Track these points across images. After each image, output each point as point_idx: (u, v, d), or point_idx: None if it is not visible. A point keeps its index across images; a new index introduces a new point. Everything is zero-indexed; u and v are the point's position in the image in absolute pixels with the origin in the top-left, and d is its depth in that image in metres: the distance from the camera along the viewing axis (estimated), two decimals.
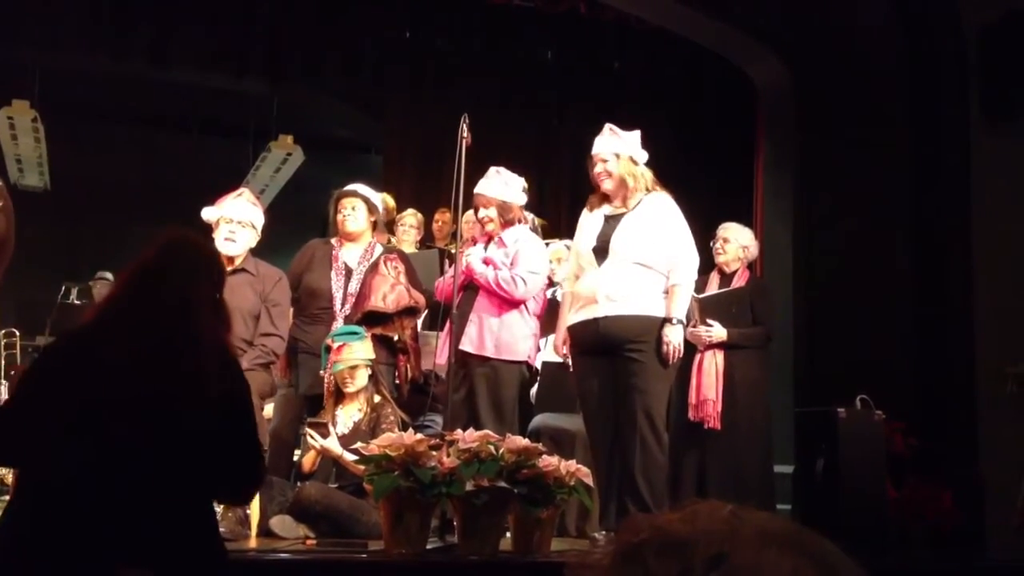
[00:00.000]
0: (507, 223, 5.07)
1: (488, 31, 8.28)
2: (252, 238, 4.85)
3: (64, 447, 2.39)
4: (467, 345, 4.88)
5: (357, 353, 4.65)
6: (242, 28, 8.07)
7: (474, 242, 5.18)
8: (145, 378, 2.42)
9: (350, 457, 4.32)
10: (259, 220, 4.91)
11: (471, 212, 5.26)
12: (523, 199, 5.16)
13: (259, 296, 4.79)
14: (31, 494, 2.43)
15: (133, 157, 10.14)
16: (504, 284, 4.90)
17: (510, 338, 4.92)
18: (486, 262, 4.98)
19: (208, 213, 4.84)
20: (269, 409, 5.21)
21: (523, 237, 5.08)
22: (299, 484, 4.55)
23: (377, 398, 4.69)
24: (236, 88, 9.22)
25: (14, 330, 5.84)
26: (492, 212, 5.02)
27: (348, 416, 4.68)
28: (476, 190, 5.04)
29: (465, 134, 4.77)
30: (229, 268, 4.80)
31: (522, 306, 5.02)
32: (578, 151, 5.31)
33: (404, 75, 8.38)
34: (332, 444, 4.46)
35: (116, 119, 10.01)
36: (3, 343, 5.11)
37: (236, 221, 4.79)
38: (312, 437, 4.48)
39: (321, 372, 4.74)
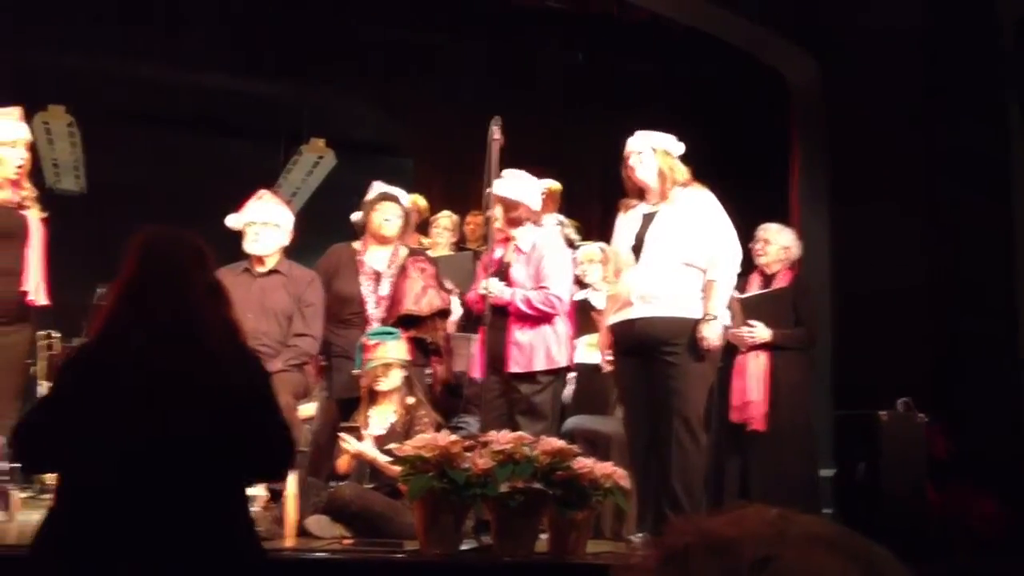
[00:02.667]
0: (513, 221, 4.99)
1: (519, 33, 8.27)
2: (280, 237, 4.88)
3: (93, 454, 2.41)
4: (515, 367, 4.81)
5: (391, 352, 4.66)
6: (274, 32, 8.11)
7: (502, 243, 5.08)
8: (161, 375, 2.43)
9: (384, 460, 4.33)
10: (284, 218, 4.93)
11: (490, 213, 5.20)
12: (535, 200, 5.09)
13: (292, 298, 4.83)
14: (68, 499, 2.44)
15: (166, 161, 10.21)
16: (541, 306, 4.85)
17: (553, 349, 4.88)
18: (510, 284, 4.91)
19: (232, 221, 4.88)
20: (304, 409, 5.23)
21: (540, 242, 5.01)
22: (334, 485, 4.57)
23: (411, 400, 4.69)
24: (268, 91, 9.29)
25: (53, 332, 5.90)
26: (498, 211, 4.97)
27: (382, 418, 4.69)
28: (490, 189, 5.01)
29: (497, 136, 4.77)
30: (261, 269, 4.86)
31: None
32: (609, 153, 5.28)
33: (435, 77, 8.40)
34: (366, 447, 4.48)
35: (150, 123, 10.08)
36: (45, 344, 5.18)
37: (260, 223, 4.82)
38: (346, 440, 4.49)
39: (355, 371, 4.75)
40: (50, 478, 4.69)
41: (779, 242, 5.50)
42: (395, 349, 4.68)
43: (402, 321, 5.03)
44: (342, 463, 4.64)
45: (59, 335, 6.06)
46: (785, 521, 0.97)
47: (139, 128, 10.14)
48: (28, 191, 4.61)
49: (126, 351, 2.45)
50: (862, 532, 0.98)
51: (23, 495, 5.23)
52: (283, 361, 4.68)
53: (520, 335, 4.84)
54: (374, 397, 4.71)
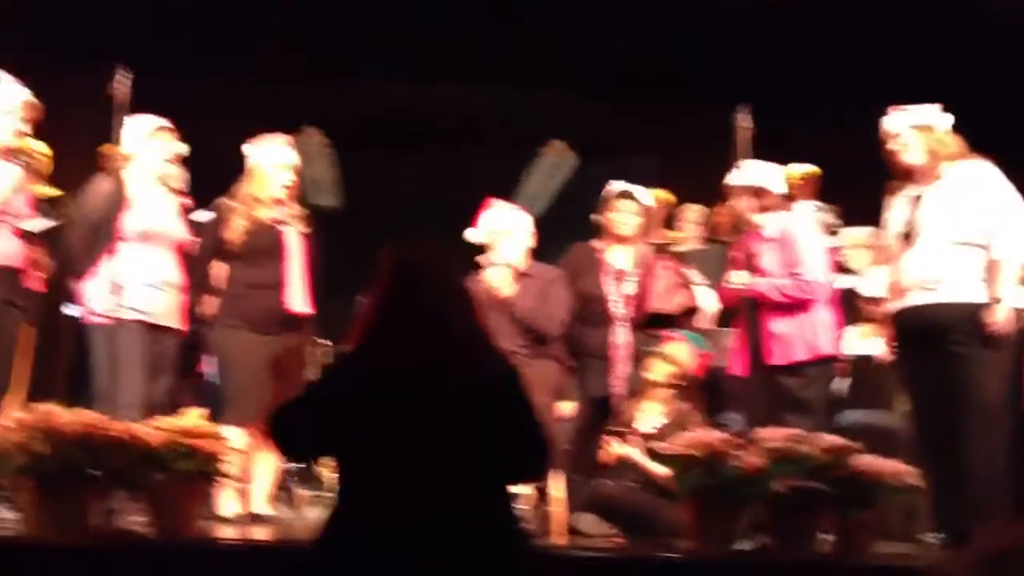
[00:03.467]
0: (760, 209, 4.84)
1: (762, 16, 7.99)
2: (519, 241, 4.92)
3: (356, 452, 2.48)
4: (776, 359, 4.68)
5: (673, 349, 4.67)
6: (508, 38, 8.21)
7: (747, 235, 4.92)
8: (416, 380, 2.49)
9: (653, 467, 4.28)
10: (519, 222, 4.98)
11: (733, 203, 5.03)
12: (779, 185, 4.93)
13: (540, 296, 4.87)
14: (346, 497, 2.53)
15: (413, 173, 10.58)
16: (796, 293, 4.69)
17: (812, 336, 4.71)
18: (760, 274, 4.78)
19: (473, 235, 4.97)
20: (562, 407, 5.26)
21: (788, 227, 4.85)
22: (600, 482, 4.57)
23: (685, 405, 4.65)
24: (505, 97, 9.44)
25: (321, 340, 6.19)
26: (744, 201, 4.83)
27: (652, 416, 4.65)
28: (733, 180, 4.85)
29: (745, 125, 4.65)
30: (508, 274, 4.90)
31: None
32: (867, 136, 5.01)
33: (673, 71, 8.27)
34: (633, 451, 4.46)
35: (395, 139, 10.48)
36: (316, 352, 5.45)
37: (501, 232, 4.95)
38: (613, 444, 4.48)
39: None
40: (332, 477, 4.94)
41: None
42: (677, 348, 4.67)
43: (650, 320, 4.97)
44: (608, 461, 4.62)
45: (329, 343, 6.36)
46: None
47: (383, 142, 10.57)
48: (291, 209, 4.85)
49: (383, 356, 2.55)
50: None
51: (308, 493, 5.56)
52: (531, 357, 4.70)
53: (777, 325, 4.69)
54: (645, 390, 4.67)
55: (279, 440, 2.61)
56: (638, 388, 4.78)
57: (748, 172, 4.83)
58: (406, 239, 2.76)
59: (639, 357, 4.91)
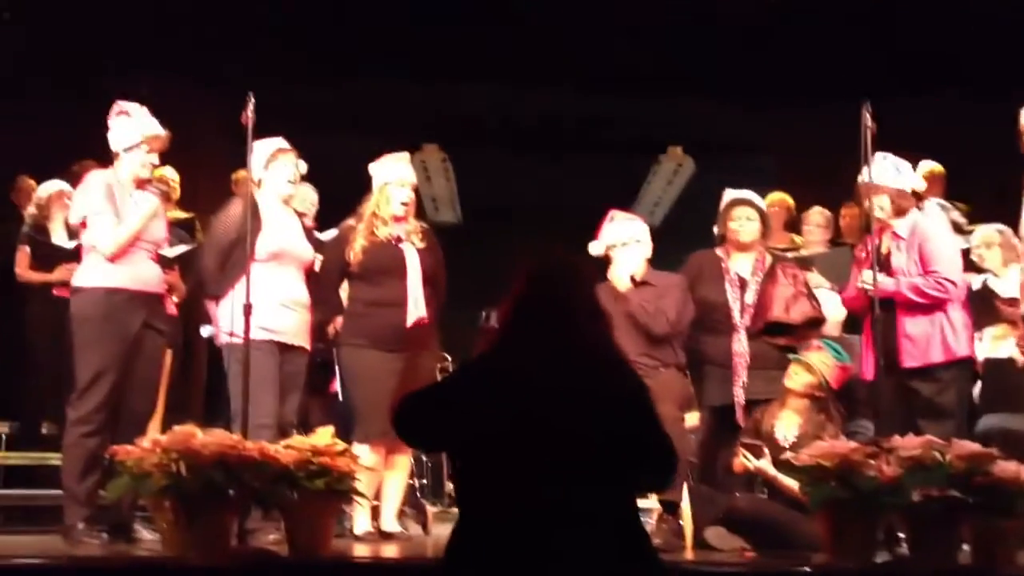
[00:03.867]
0: (895, 208, 4.74)
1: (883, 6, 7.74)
2: (639, 252, 4.92)
3: (479, 460, 2.50)
4: (910, 361, 4.57)
5: (813, 357, 4.61)
6: (621, 46, 8.17)
7: (879, 234, 4.77)
8: (546, 391, 2.48)
9: (786, 481, 4.20)
10: (639, 232, 4.94)
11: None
12: (915, 183, 4.81)
13: (655, 300, 4.83)
14: (469, 512, 2.54)
15: (531, 183, 10.63)
16: (932, 292, 4.57)
17: (950, 338, 4.57)
18: (891, 274, 4.65)
19: (595, 247, 4.96)
20: (688, 419, 5.20)
21: (920, 225, 4.72)
22: (732, 495, 4.51)
23: (817, 408, 4.56)
24: (622, 105, 9.41)
25: (446, 355, 6.27)
26: (884, 201, 4.70)
27: (790, 425, 4.58)
28: (864, 179, 4.71)
29: (869, 123, 4.51)
30: (630, 286, 4.87)
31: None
32: (997, 128, 4.82)
33: (791, 69, 8.10)
34: (766, 465, 4.40)
35: (513, 149, 10.55)
36: (439, 368, 5.52)
37: (620, 244, 4.90)
38: (746, 458, 4.42)
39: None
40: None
41: None
42: (818, 357, 4.61)
43: (770, 329, 4.89)
44: (737, 466, 4.56)
45: (450, 359, 6.43)
46: None
47: (504, 155, 10.65)
48: (411, 226, 4.93)
49: (511, 362, 2.55)
50: None
51: (434, 509, 5.62)
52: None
53: (912, 326, 4.57)
54: (783, 398, 4.64)
55: (399, 427, 2.64)
56: (776, 396, 4.69)
57: (882, 170, 4.70)
58: (544, 247, 2.77)
59: (767, 365, 4.83)
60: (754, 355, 4.89)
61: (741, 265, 5.07)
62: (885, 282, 4.59)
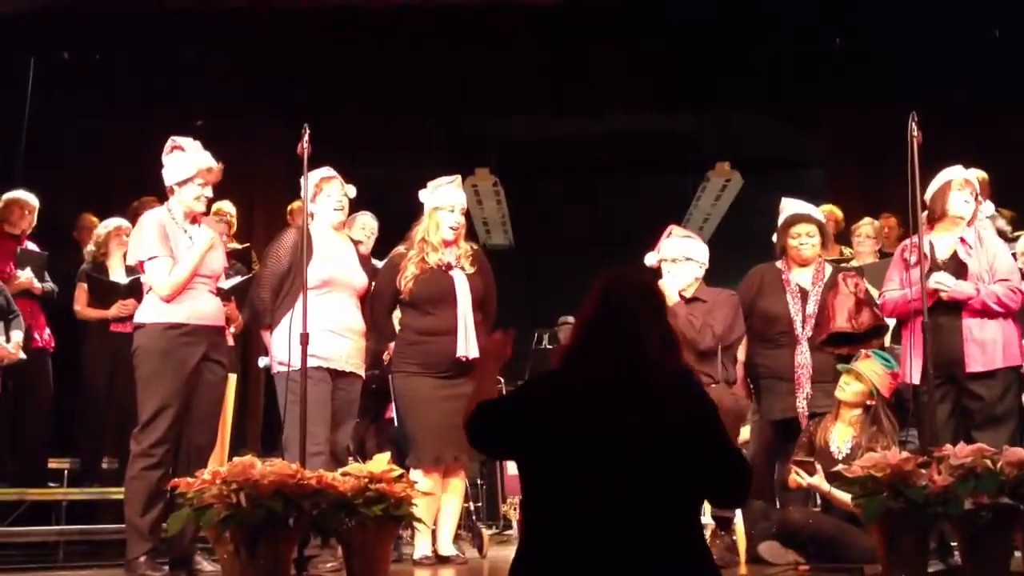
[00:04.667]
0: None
1: (922, 15, 7.71)
2: (693, 270, 4.96)
3: (544, 476, 2.53)
4: (975, 366, 4.52)
5: (864, 366, 4.60)
6: (666, 66, 8.22)
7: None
8: (614, 408, 2.50)
9: (839, 494, 4.19)
10: (696, 250, 4.97)
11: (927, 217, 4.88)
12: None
13: (706, 315, 4.84)
14: (533, 533, 2.58)
15: (581, 206, 10.72)
16: (1008, 300, 4.54)
17: (1012, 345, 4.55)
18: (965, 278, 4.61)
19: (650, 258, 5.02)
20: (741, 433, 5.21)
21: (983, 234, 4.69)
22: (785, 509, 4.50)
23: (869, 419, 4.56)
24: (667, 124, 9.45)
25: (499, 378, 6.32)
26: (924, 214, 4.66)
27: (844, 437, 4.58)
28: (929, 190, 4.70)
29: (915, 132, 4.50)
30: (678, 300, 4.90)
31: None
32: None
33: (836, 82, 8.09)
34: (819, 482, 4.39)
35: (562, 173, 10.64)
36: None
37: (671, 259, 4.94)
38: (799, 475, 4.41)
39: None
40: (515, 517, 5.00)
41: None
42: (869, 366, 4.61)
43: (833, 339, 4.87)
44: (792, 483, 4.55)
45: (503, 381, 6.48)
46: None
47: (553, 180, 10.75)
48: (461, 250, 4.97)
49: (581, 378, 2.58)
50: None
51: (489, 532, 5.65)
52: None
53: (981, 332, 4.52)
54: (835, 410, 4.64)
55: (471, 432, 2.66)
56: (829, 409, 4.69)
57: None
58: (620, 268, 2.80)
59: (829, 378, 4.81)
60: (816, 368, 4.88)
61: (801, 276, 5.07)
62: (963, 286, 4.55)
